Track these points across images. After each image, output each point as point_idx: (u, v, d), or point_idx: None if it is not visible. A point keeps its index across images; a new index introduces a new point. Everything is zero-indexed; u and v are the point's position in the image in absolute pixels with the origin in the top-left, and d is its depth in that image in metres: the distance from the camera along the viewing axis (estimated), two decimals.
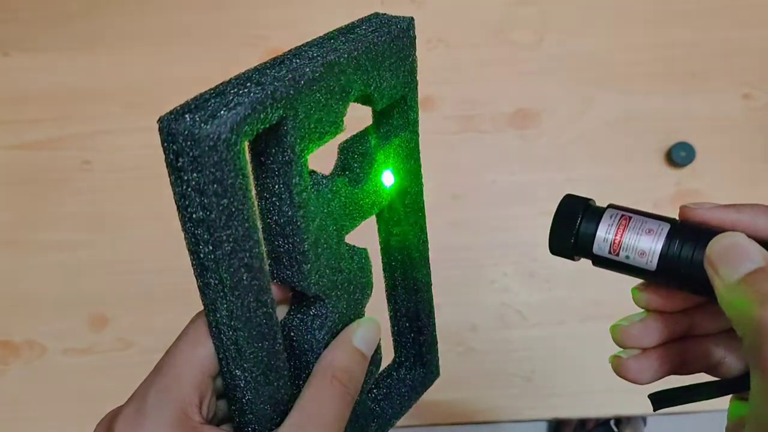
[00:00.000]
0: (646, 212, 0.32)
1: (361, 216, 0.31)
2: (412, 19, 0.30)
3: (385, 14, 0.30)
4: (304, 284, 0.29)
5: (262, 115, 0.24)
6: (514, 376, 0.62)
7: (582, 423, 1.17)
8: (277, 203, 0.27)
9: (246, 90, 0.24)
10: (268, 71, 0.25)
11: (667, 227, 0.30)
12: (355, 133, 0.31)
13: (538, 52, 0.71)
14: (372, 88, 0.29)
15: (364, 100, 0.29)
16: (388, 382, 0.38)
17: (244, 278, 0.25)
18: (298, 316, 0.31)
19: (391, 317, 0.38)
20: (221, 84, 0.25)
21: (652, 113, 0.68)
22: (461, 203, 0.67)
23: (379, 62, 0.29)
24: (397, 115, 0.32)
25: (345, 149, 0.31)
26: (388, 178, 0.32)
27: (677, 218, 0.31)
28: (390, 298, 0.38)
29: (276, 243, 0.28)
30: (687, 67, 0.69)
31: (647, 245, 0.30)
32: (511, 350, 0.63)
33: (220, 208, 0.23)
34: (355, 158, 0.31)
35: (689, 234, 0.30)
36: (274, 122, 0.25)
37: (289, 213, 0.27)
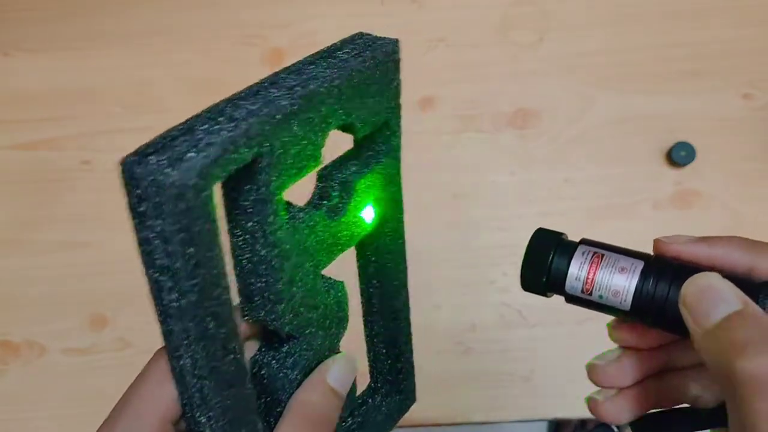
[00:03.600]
0: (619, 248, 0.31)
1: (339, 249, 0.30)
2: (397, 41, 0.29)
3: (369, 35, 0.29)
4: (278, 324, 0.28)
5: (234, 156, 0.22)
6: (514, 376, 0.62)
7: (582, 423, 1.17)
8: (250, 242, 0.26)
9: (217, 127, 0.22)
10: (242, 103, 0.23)
11: (640, 265, 0.29)
12: (334, 159, 0.30)
13: (538, 52, 0.71)
14: (353, 116, 0.27)
15: (345, 128, 0.28)
16: (363, 409, 0.37)
17: (210, 327, 0.24)
18: (271, 353, 0.29)
19: (367, 342, 0.37)
20: (191, 119, 0.23)
21: (652, 113, 0.68)
22: (461, 203, 0.67)
23: (362, 89, 0.27)
24: (380, 141, 0.30)
25: (323, 177, 0.29)
26: (368, 214, 0.31)
27: (651, 253, 0.31)
28: (367, 324, 0.36)
29: (248, 281, 0.27)
30: (687, 67, 0.69)
31: (620, 284, 0.29)
32: (511, 350, 0.63)
33: (186, 257, 0.22)
34: (333, 187, 0.29)
35: (663, 272, 0.29)
36: (248, 161, 0.23)
37: (263, 252, 0.26)
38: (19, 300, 0.66)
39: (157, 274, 0.22)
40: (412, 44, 0.70)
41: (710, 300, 0.26)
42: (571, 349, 0.63)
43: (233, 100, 0.24)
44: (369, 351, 0.37)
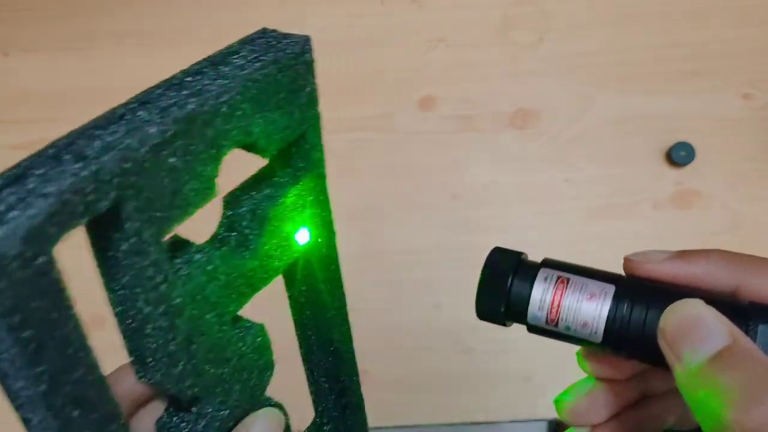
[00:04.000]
0: (586, 269, 0.27)
1: (252, 289, 0.25)
2: (308, 38, 0.23)
3: (274, 32, 0.24)
4: (177, 389, 0.23)
5: (80, 208, 0.17)
6: (514, 376, 0.62)
7: None
8: (130, 298, 0.21)
9: (59, 170, 0.17)
10: (98, 133, 0.19)
11: (611, 290, 0.25)
12: (243, 181, 0.26)
13: (538, 52, 0.71)
14: (255, 135, 0.22)
15: (247, 148, 0.23)
16: None
17: (75, 416, 0.19)
18: (180, 414, 0.25)
19: (307, 376, 0.33)
20: (28, 159, 0.18)
21: (652, 113, 0.68)
22: (461, 203, 0.67)
23: (263, 101, 0.22)
24: (297, 157, 0.25)
25: (230, 204, 0.25)
26: (302, 236, 0.26)
27: (623, 273, 0.27)
28: (305, 358, 0.32)
29: (136, 342, 0.22)
30: (687, 67, 0.69)
31: (590, 314, 0.25)
32: (511, 350, 0.63)
33: (23, 342, 0.17)
34: (243, 215, 0.24)
35: (638, 297, 0.25)
36: (104, 210, 0.18)
37: (146, 311, 0.21)
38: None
39: None
40: (412, 44, 0.70)
41: (694, 334, 0.22)
42: (571, 349, 0.63)
43: (88, 129, 0.19)
44: (310, 385, 0.33)
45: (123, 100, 0.20)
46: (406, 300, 0.64)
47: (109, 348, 0.22)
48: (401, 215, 0.65)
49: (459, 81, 0.70)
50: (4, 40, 0.74)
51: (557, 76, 0.70)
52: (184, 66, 0.22)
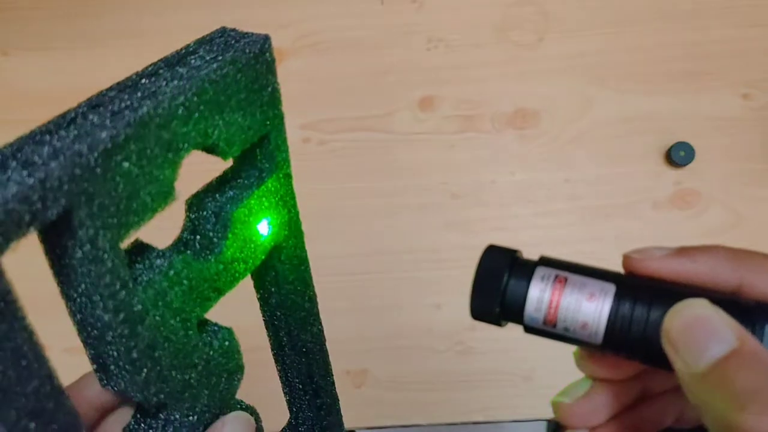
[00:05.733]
0: (585, 267, 0.26)
1: (218, 293, 0.24)
2: (267, 37, 0.23)
3: (233, 30, 0.23)
4: (142, 396, 0.23)
5: (27, 217, 0.17)
6: (514, 376, 0.62)
7: None
8: (89, 306, 0.21)
9: (3, 178, 0.16)
10: (47, 138, 0.18)
11: (611, 289, 0.24)
12: (207, 183, 0.25)
13: (538, 52, 0.71)
14: (214, 137, 0.22)
15: (207, 150, 0.22)
16: None
17: (32, 427, 0.19)
18: (147, 420, 0.24)
19: (280, 376, 0.33)
20: None
21: (652, 113, 0.68)
22: (461, 203, 0.67)
23: (221, 102, 0.22)
24: (261, 158, 0.25)
25: (193, 206, 0.24)
26: (263, 228, 0.26)
27: (623, 272, 0.26)
28: (277, 358, 0.32)
29: (98, 350, 0.22)
30: (687, 67, 0.69)
31: (589, 315, 0.24)
32: (511, 350, 0.63)
33: None
34: (207, 218, 0.24)
35: (639, 297, 0.24)
36: (53, 218, 0.18)
37: (105, 318, 0.20)
38: (19, 299, 0.66)
39: None
40: (412, 44, 0.70)
41: (700, 337, 0.21)
42: (571, 349, 0.63)
43: (37, 134, 0.18)
44: (284, 386, 0.33)
45: None
46: (406, 300, 0.64)
47: None
48: (401, 215, 0.65)
49: (459, 81, 0.70)
50: (4, 40, 0.74)
51: (557, 76, 0.70)
52: None
